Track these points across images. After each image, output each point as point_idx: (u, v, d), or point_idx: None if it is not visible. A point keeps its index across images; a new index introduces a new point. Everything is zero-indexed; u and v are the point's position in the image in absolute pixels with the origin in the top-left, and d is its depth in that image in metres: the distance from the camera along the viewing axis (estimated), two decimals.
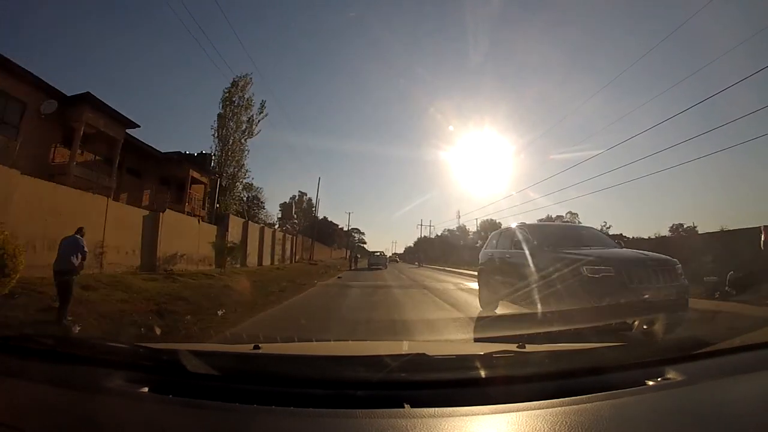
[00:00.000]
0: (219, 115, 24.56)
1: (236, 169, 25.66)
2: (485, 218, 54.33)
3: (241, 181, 26.46)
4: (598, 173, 38.12)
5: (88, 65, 40.70)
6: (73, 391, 1.19)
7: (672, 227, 38.42)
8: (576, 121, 67.69)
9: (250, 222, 22.91)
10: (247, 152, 25.93)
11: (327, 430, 1.05)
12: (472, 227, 65.45)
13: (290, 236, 33.38)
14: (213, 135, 24.51)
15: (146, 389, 1.19)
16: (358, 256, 29.79)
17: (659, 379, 1.34)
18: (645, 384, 1.30)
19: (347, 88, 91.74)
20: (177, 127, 61.77)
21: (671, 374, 1.36)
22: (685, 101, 38.25)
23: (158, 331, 4.29)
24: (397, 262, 52.24)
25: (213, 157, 24.60)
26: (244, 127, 25.33)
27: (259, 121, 25.69)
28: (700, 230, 25.41)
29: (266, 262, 23.65)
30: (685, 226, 38.13)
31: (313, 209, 68.25)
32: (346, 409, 1.09)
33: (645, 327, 2.71)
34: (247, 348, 1.73)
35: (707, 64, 30.64)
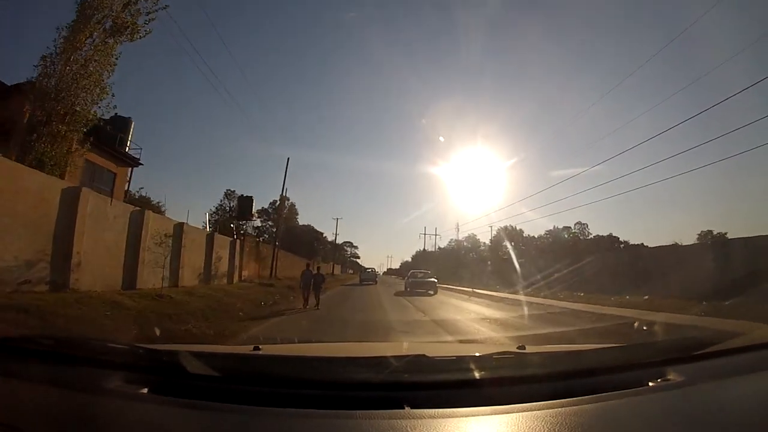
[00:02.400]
0: (81, 4, 13.43)
1: (84, 90, 13.04)
2: (504, 224, 53.54)
3: (93, 110, 13.51)
4: (612, 180, 44.88)
5: None
6: (72, 392, 1.25)
7: (700, 234, 38.22)
8: (587, 130, 72.54)
9: (93, 193, 12.79)
10: (114, 61, 14.05)
11: (327, 431, 1.12)
12: (484, 236, 63.43)
13: (229, 239, 24.33)
14: (58, 36, 13.32)
15: (146, 390, 1.24)
16: (322, 276, 15.31)
17: (659, 380, 1.40)
18: (645, 385, 1.37)
19: (342, 102, 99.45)
20: None
21: (671, 375, 1.43)
22: (695, 105, 39.31)
23: (158, 332, 4.42)
24: (428, 293, 25.17)
25: (46, 67, 13.13)
26: (117, 20, 13.59)
27: (151, 14, 14.08)
28: (732, 236, 24.57)
29: (153, 281, 14.13)
30: (714, 233, 35.13)
31: (296, 216, 55.32)
32: (346, 410, 1.15)
33: (645, 328, 3.19)
34: (247, 349, 1.79)
35: (727, 59, 31.16)
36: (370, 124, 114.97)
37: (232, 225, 34.40)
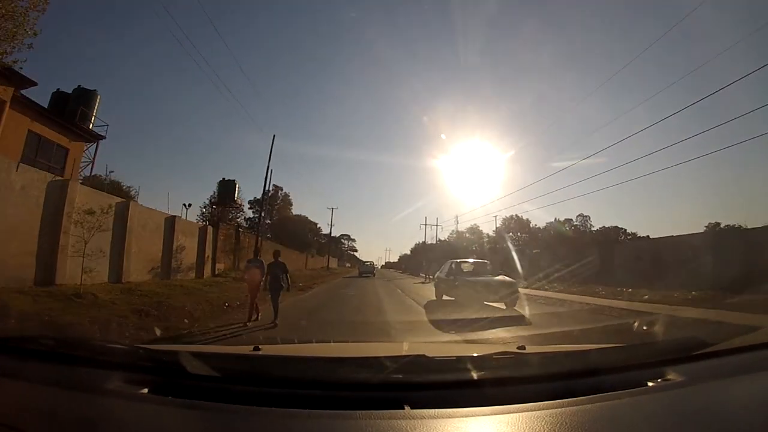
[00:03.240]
0: None
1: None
2: (505, 216, 53.98)
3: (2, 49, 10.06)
4: (615, 168, 39.40)
5: None
6: (72, 392, 1.25)
7: (708, 226, 35.40)
8: (589, 120, 68.57)
9: None
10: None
11: (327, 431, 1.14)
12: (487, 227, 64.33)
13: (198, 226, 21.33)
14: None
15: (146, 390, 1.25)
16: (282, 267, 8.79)
17: (659, 380, 1.41)
18: (645, 385, 1.38)
19: (338, 93, 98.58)
20: None
21: (671, 375, 1.44)
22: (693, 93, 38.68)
23: (158, 332, 4.50)
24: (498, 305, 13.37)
25: None
26: None
27: None
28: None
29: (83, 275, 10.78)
30: (722, 225, 32.99)
31: (290, 207, 54.44)
32: (346, 411, 1.16)
33: (645, 328, 3.11)
34: (247, 349, 1.76)
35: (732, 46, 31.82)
36: (367, 117, 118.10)
37: (203, 208, 31.75)
